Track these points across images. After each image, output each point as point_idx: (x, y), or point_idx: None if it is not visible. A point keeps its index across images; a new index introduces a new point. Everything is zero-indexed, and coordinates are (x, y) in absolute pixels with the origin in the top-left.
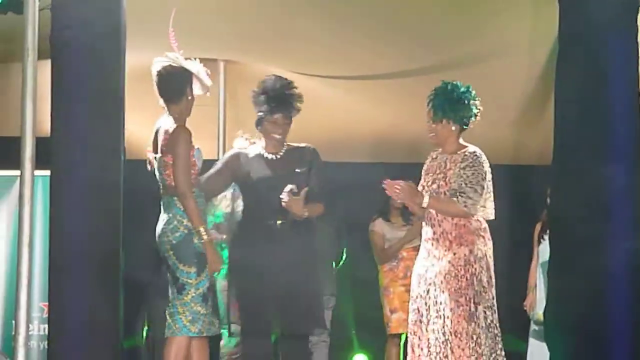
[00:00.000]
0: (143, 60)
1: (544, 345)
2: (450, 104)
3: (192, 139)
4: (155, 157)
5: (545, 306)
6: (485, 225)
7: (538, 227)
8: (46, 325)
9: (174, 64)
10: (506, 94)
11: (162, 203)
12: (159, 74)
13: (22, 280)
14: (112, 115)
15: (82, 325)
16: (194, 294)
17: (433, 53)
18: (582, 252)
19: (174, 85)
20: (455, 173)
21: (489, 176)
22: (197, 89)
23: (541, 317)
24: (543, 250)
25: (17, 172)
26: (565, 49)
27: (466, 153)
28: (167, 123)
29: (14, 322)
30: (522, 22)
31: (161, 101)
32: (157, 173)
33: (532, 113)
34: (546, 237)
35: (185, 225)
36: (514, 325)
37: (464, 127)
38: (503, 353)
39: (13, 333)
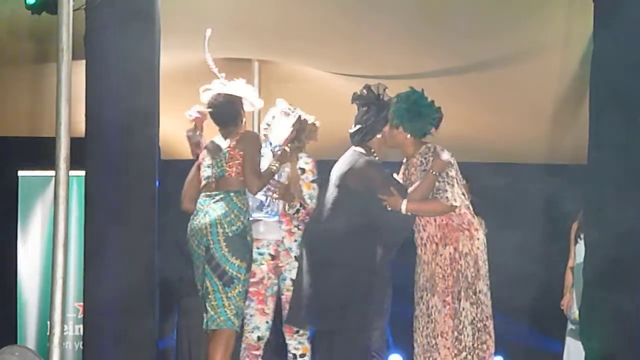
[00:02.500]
0: (178, 60)
1: (580, 344)
2: (408, 114)
3: None
4: (206, 158)
5: (581, 305)
6: (469, 218)
7: (574, 226)
8: (81, 326)
9: (222, 92)
10: (541, 93)
11: (206, 198)
12: (211, 105)
13: (57, 280)
14: (146, 116)
15: (117, 326)
16: (240, 289)
17: (467, 53)
18: (617, 251)
19: (228, 114)
20: (418, 174)
21: (452, 165)
22: (247, 106)
23: (576, 317)
24: (579, 251)
25: (52, 173)
26: (600, 48)
27: (422, 153)
28: (222, 142)
29: (49, 322)
30: (556, 21)
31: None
32: (209, 169)
33: (566, 112)
34: (582, 237)
35: (242, 220)
36: (551, 325)
37: (420, 137)
38: (489, 345)
39: (48, 333)
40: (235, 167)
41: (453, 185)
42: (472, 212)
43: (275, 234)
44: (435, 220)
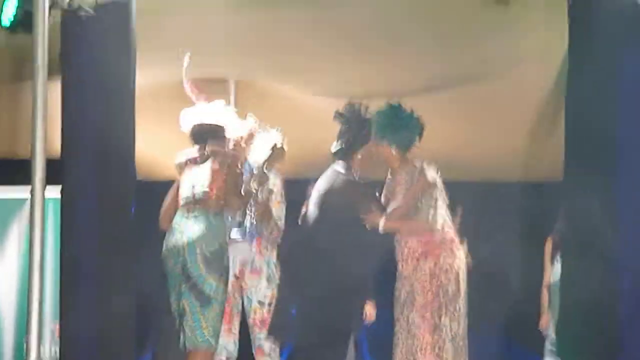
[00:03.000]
0: (154, 79)
1: None
2: (390, 128)
3: None
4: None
5: (557, 323)
6: (451, 236)
7: (549, 244)
8: (57, 347)
9: (203, 123)
10: (517, 108)
11: (184, 216)
12: (192, 133)
13: (33, 302)
14: (122, 134)
15: (94, 347)
16: (218, 310)
17: (443, 68)
18: (594, 269)
19: (209, 139)
20: (402, 192)
21: (436, 186)
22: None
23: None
24: (557, 270)
25: (27, 195)
26: (575, 61)
27: (409, 171)
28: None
29: (25, 343)
30: (532, 36)
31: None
32: (190, 188)
33: (543, 127)
34: (559, 256)
35: (219, 241)
36: (528, 342)
37: (405, 149)
38: None
39: (24, 355)
40: (217, 189)
41: (436, 208)
42: (455, 232)
43: (244, 254)
44: (417, 236)
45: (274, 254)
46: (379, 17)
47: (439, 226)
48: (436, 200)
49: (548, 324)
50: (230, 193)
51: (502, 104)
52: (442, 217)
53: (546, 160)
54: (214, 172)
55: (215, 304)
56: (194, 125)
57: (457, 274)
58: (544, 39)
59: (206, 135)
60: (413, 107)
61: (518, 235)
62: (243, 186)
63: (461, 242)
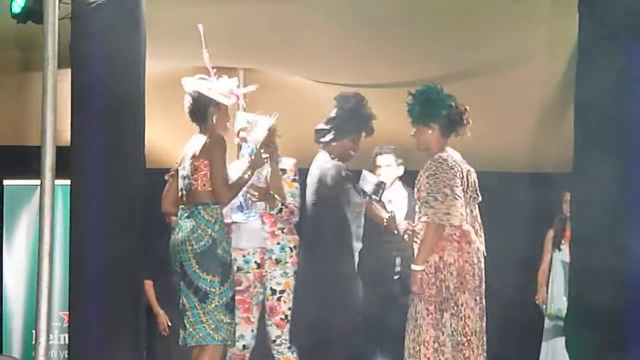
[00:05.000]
0: (163, 69)
1: (557, 342)
2: (419, 104)
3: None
4: (181, 165)
5: (567, 312)
6: (462, 230)
7: (550, 233)
8: (66, 335)
9: (194, 89)
10: (526, 101)
11: (181, 211)
12: (185, 100)
13: (42, 289)
14: (132, 124)
15: (103, 334)
16: (217, 303)
17: (451, 62)
18: (604, 257)
19: (196, 113)
20: (423, 182)
21: (455, 182)
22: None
23: (554, 312)
24: (559, 256)
25: (37, 182)
26: (584, 55)
27: (431, 160)
28: (199, 138)
29: (34, 331)
30: (542, 29)
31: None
32: (181, 180)
33: (551, 120)
34: (562, 246)
35: (209, 234)
36: (526, 328)
37: (445, 131)
38: None
39: (33, 342)
40: (201, 179)
41: (438, 201)
42: (474, 226)
43: (259, 241)
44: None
45: (291, 238)
46: (387, 10)
47: (457, 222)
48: (455, 197)
49: (546, 299)
50: (217, 184)
51: (511, 97)
52: (460, 214)
53: (554, 152)
54: (194, 161)
55: (214, 297)
56: (187, 94)
57: (462, 268)
58: (553, 32)
59: (192, 106)
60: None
61: (525, 224)
62: (237, 174)
63: (477, 233)
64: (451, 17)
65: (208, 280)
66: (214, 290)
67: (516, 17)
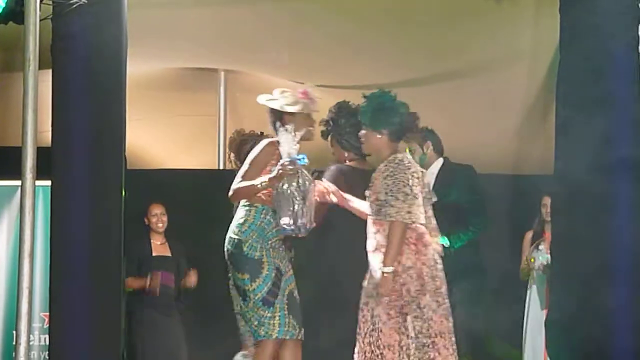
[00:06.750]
0: (144, 70)
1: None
2: (372, 110)
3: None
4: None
5: (547, 316)
6: (417, 233)
7: (528, 235)
8: (47, 336)
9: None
10: (508, 103)
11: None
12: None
13: (23, 290)
14: (113, 125)
15: (83, 336)
16: (254, 300)
17: (434, 63)
18: (585, 260)
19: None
20: (380, 183)
21: (413, 181)
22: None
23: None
24: (539, 257)
25: (18, 182)
26: (566, 58)
27: (388, 162)
28: None
29: (14, 332)
30: (524, 32)
31: None
32: None
33: (533, 123)
34: (541, 246)
35: (236, 233)
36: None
37: (394, 137)
38: None
39: (14, 343)
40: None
41: (399, 200)
42: (430, 227)
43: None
44: (384, 231)
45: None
46: (372, 13)
47: (422, 220)
48: (413, 196)
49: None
50: (234, 181)
51: (493, 99)
52: (411, 213)
53: (536, 154)
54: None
55: (249, 294)
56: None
57: (420, 270)
58: (535, 35)
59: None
60: (408, 99)
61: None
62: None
63: (432, 235)
64: (434, 20)
65: (239, 278)
66: (247, 287)
67: (498, 20)
